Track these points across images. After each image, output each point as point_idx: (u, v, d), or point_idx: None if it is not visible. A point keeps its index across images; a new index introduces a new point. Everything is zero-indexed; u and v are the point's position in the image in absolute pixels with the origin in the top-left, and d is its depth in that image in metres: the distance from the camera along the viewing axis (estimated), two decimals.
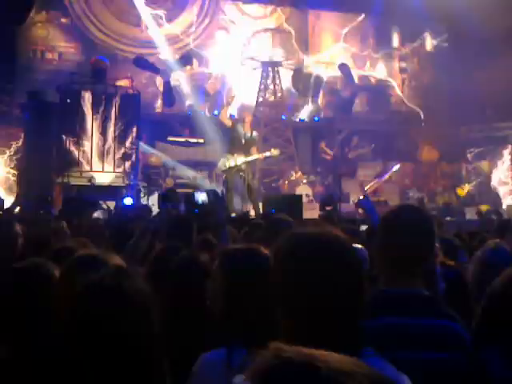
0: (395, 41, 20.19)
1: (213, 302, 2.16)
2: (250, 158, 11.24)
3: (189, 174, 14.83)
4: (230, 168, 11.13)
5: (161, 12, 17.35)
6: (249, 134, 11.26)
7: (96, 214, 8.86)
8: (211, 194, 11.01)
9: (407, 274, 2.02)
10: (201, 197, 11.30)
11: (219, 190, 11.21)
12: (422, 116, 19.22)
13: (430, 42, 20.21)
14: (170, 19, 17.50)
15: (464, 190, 16.81)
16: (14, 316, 2.26)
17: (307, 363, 0.79)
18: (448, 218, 12.53)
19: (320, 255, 1.49)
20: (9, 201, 11.82)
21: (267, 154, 11.77)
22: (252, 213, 10.77)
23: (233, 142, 11.27)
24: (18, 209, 9.87)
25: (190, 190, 12.04)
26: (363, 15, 18.99)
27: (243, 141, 11.12)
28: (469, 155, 18.76)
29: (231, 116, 17.06)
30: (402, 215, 2.12)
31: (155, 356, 1.53)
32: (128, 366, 1.47)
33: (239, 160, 11.05)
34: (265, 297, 2.06)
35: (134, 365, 1.48)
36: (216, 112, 17.27)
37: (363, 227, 6.04)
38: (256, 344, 1.91)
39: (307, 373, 0.78)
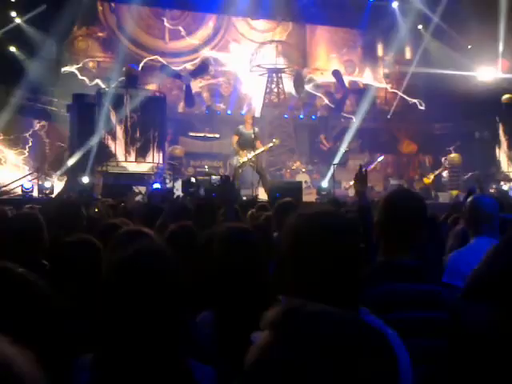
0: (379, 51, 20.04)
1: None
2: (258, 151, 11.51)
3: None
4: (243, 163, 11.43)
5: (182, 27, 17.28)
6: (251, 132, 11.44)
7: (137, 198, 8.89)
8: (224, 177, 11.20)
9: (405, 247, 2.04)
10: (216, 180, 11.48)
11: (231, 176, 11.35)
12: (403, 115, 19.12)
13: (409, 51, 20.05)
14: (189, 33, 17.43)
15: (429, 178, 16.74)
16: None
17: (311, 309, 0.82)
18: None
19: (327, 230, 1.51)
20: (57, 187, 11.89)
21: (270, 144, 11.94)
22: (261, 196, 10.82)
23: (241, 141, 11.53)
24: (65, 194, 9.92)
25: (208, 177, 12.14)
26: (353, 29, 18.87)
27: (250, 138, 11.43)
28: (442, 148, 18.69)
29: (241, 114, 17.14)
30: (401, 199, 2.11)
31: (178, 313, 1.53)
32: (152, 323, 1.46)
33: (250, 154, 11.35)
34: (249, 268, 2.14)
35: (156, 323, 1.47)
36: (229, 111, 17.27)
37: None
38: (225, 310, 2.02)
39: (312, 315, 0.81)
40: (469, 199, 3.29)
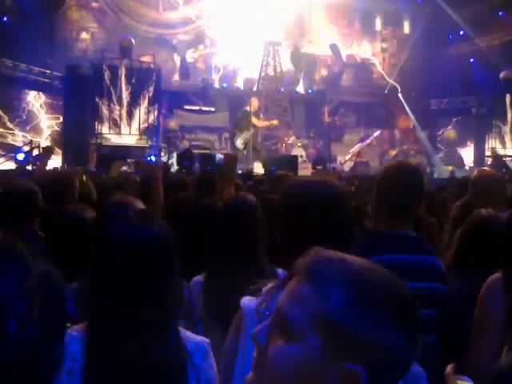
0: (378, 24, 19.83)
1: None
2: (258, 125, 11.84)
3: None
4: (247, 143, 11.69)
5: None
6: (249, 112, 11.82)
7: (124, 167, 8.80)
8: (229, 156, 11.28)
9: (404, 219, 2.04)
10: (220, 158, 11.51)
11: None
12: (399, 89, 19.02)
13: (407, 26, 19.87)
14: (185, 3, 17.14)
15: (393, 153, 17.17)
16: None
17: (340, 256, 0.86)
18: None
19: (323, 194, 1.52)
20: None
21: (268, 123, 12.23)
22: (256, 170, 10.84)
23: (246, 123, 11.81)
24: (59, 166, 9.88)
25: (203, 151, 12.10)
26: (351, 2, 18.62)
27: (249, 119, 11.71)
28: (438, 124, 18.70)
29: (237, 88, 17.06)
30: (400, 172, 2.10)
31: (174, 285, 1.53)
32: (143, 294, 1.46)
33: (247, 133, 11.66)
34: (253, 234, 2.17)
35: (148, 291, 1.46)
36: (225, 84, 17.12)
37: None
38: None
39: (342, 262, 0.84)
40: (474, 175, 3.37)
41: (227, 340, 1.48)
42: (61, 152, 11.82)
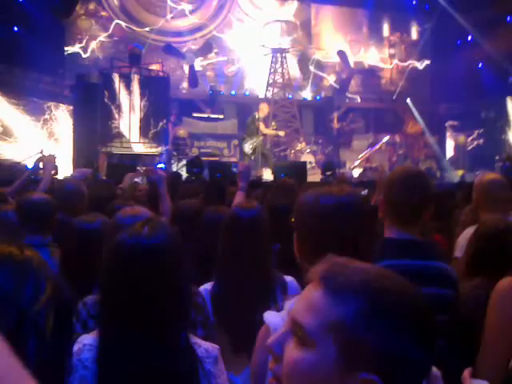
0: (385, 30, 19.83)
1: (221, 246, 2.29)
2: (265, 132, 11.79)
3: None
4: (255, 149, 11.66)
5: (185, 5, 17.09)
6: (257, 118, 11.86)
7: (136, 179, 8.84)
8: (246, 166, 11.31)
9: (412, 224, 2.03)
10: (235, 168, 11.56)
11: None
12: (408, 95, 18.97)
13: (415, 31, 19.85)
14: (192, 11, 17.24)
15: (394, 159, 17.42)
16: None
17: (354, 264, 0.86)
18: None
19: (342, 206, 1.51)
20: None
21: (276, 133, 12.33)
22: (265, 176, 10.87)
23: (254, 128, 11.76)
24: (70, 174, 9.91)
25: (212, 158, 12.14)
26: (358, 8, 18.65)
27: (257, 123, 11.68)
28: (447, 129, 18.61)
29: (245, 95, 17.12)
30: (408, 176, 2.07)
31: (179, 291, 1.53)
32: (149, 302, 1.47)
33: (257, 140, 11.64)
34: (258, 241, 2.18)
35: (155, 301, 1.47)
36: (233, 92, 17.16)
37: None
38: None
39: (355, 269, 0.85)
40: (477, 180, 3.32)
41: (255, 356, 1.48)
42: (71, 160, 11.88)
